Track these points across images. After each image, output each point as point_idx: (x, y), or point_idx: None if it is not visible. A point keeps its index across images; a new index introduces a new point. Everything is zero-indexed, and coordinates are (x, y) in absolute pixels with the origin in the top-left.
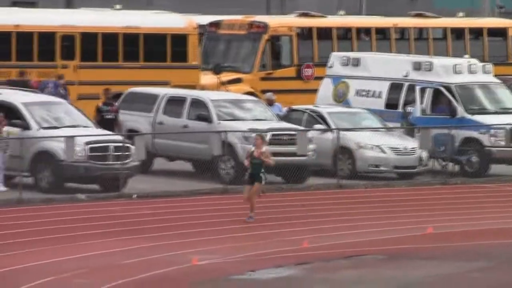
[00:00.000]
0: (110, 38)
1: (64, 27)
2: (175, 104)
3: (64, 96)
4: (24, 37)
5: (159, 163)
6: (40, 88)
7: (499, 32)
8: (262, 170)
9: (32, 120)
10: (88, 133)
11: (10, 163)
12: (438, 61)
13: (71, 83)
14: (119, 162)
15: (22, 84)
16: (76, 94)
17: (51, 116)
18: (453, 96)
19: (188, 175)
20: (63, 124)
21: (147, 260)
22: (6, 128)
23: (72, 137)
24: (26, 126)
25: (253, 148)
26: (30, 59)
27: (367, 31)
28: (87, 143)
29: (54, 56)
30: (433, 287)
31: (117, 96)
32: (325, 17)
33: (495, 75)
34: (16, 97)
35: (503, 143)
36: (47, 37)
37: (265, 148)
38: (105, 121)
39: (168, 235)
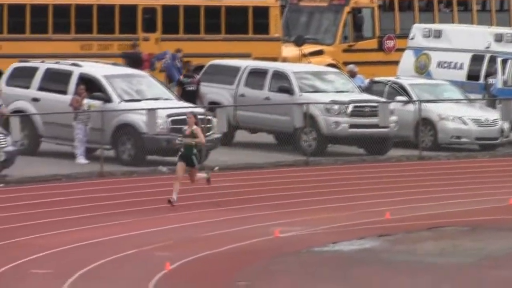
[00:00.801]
0: (191, 10)
1: (146, 0)
2: (256, 76)
3: (179, 69)
4: (106, 10)
5: (241, 136)
6: (153, 60)
7: None
8: (195, 152)
9: (113, 92)
10: (169, 105)
11: (91, 136)
12: None
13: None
14: None
15: (134, 56)
16: (159, 66)
17: (133, 88)
18: None
19: (269, 147)
20: (144, 97)
21: (229, 233)
22: (87, 101)
23: (154, 109)
24: (107, 99)
25: (185, 127)
26: (112, 31)
27: (448, 2)
28: (169, 115)
29: (135, 29)
30: None
31: (198, 68)
32: None
33: None
34: (97, 69)
35: None
36: (128, 10)
37: (195, 127)
38: (186, 94)
39: (250, 208)
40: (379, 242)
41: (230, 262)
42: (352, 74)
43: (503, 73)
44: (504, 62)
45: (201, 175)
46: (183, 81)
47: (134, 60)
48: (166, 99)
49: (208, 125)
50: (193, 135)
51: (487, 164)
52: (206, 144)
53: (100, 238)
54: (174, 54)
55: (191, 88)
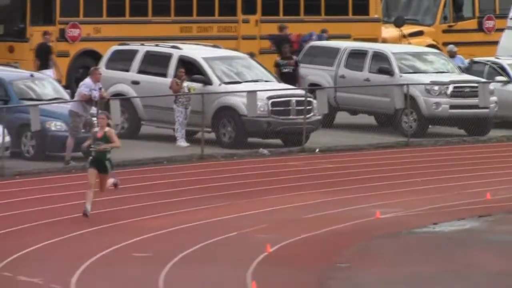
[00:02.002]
0: None
1: None
2: (356, 57)
3: None
4: None
5: (341, 117)
6: (301, 41)
7: None
8: (108, 157)
9: (213, 75)
10: (269, 87)
11: (191, 118)
12: None
13: (253, 38)
14: (301, 117)
15: (282, 38)
16: (258, 49)
17: (232, 70)
18: None
19: (370, 128)
20: (244, 79)
21: (329, 214)
22: (187, 84)
23: (254, 91)
24: (207, 81)
25: (97, 129)
26: (211, 14)
27: None
28: (269, 97)
29: (235, 11)
30: None
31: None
32: None
33: None
34: (197, 52)
35: None
36: None
37: (108, 129)
38: (283, 75)
39: (350, 189)
40: (479, 223)
41: (330, 243)
42: (452, 55)
43: None
44: None
45: (110, 180)
46: (280, 62)
47: (281, 42)
48: (266, 81)
49: (309, 107)
50: (105, 138)
51: None
52: (307, 126)
53: (200, 220)
54: (320, 35)
55: (287, 70)
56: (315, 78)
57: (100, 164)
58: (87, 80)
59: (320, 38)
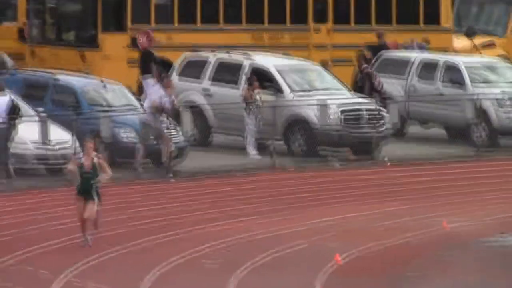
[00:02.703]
0: (363, 1)
1: None
2: (427, 68)
3: None
4: (277, 1)
5: (412, 128)
6: (402, 49)
7: None
8: (96, 185)
9: (285, 84)
10: (340, 97)
11: (262, 128)
12: None
13: (324, 47)
14: (372, 128)
15: (380, 46)
16: (329, 58)
17: (304, 80)
18: None
19: (440, 140)
20: (315, 88)
21: (398, 224)
22: (258, 93)
23: (326, 103)
24: (278, 90)
25: (82, 157)
26: (283, 22)
27: None
28: (340, 108)
29: (306, 20)
30: None
31: (370, 60)
32: None
33: None
34: (269, 61)
35: None
36: (300, 1)
37: (96, 159)
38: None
39: (419, 199)
40: None
41: (399, 253)
42: None
43: None
44: None
45: (93, 211)
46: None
47: (379, 50)
48: (337, 90)
49: (379, 118)
50: (94, 168)
51: None
52: (378, 137)
53: (270, 229)
54: (421, 44)
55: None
56: (387, 87)
57: (87, 193)
58: (157, 90)
59: (421, 47)
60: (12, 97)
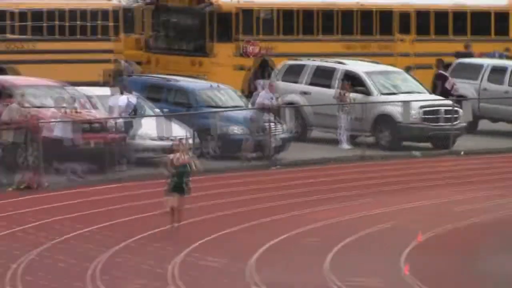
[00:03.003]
0: (441, 15)
1: (401, 6)
2: (497, 73)
3: None
4: (366, 15)
5: (483, 124)
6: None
7: None
8: (188, 179)
9: (373, 87)
10: (422, 98)
11: (353, 124)
12: None
13: (407, 55)
14: (449, 123)
15: (466, 55)
16: (412, 64)
17: (390, 83)
18: None
19: (509, 134)
20: (400, 90)
21: (473, 207)
22: (350, 94)
23: (408, 101)
24: (368, 92)
25: (174, 155)
26: (370, 33)
27: None
28: (421, 107)
29: (392, 31)
30: None
31: (447, 66)
32: None
33: None
34: (359, 67)
35: None
36: (386, 14)
37: (188, 152)
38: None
39: (493, 186)
40: None
41: (473, 233)
42: None
43: None
44: None
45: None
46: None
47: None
48: (419, 92)
49: (455, 115)
50: (187, 165)
51: None
52: (454, 132)
53: (359, 213)
54: (501, 53)
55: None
56: (462, 90)
57: (180, 187)
58: (263, 92)
59: (501, 55)
60: (132, 98)
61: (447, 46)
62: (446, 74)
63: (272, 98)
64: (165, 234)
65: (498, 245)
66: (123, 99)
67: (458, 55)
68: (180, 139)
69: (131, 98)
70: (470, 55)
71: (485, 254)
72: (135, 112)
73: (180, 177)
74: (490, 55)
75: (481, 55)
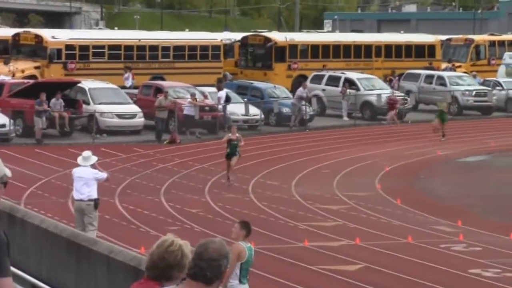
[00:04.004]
0: (396, 46)
1: (376, 42)
2: (428, 77)
3: None
4: (357, 47)
5: (422, 106)
6: None
7: None
8: (238, 149)
9: (360, 85)
10: (386, 92)
11: (350, 106)
12: None
13: (379, 69)
14: (402, 106)
15: (431, 68)
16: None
17: (370, 84)
18: None
19: (435, 111)
20: (375, 88)
21: (414, 152)
22: (348, 90)
23: (380, 94)
24: (358, 89)
25: (230, 135)
26: (359, 57)
27: None
28: (387, 97)
29: (371, 56)
30: None
31: (400, 74)
32: None
33: None
34: (354, 75)
35: None
36: (368, 47)
37: (238, 135)
38: None
39: (424, 141)
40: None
41: (418, 166)
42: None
43: None
44: None
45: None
46: None
47: None
48: (386, 89)
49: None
50: (236, 140)
51: None
52: (405, 110)
53: (353, 155)
54: (451, 67)
55: None
56: (409, 87)
57: (232, 153)
58: (300, 88)
59: (451, 69)
60: (228, 92)
61: (398, 64)
62: (393, 78)
63: (305, 92)
64: (243, 169)
65: (429, 173)
66: (222, 93)
67: (426, 68)
68: (232, 125)
69: (226, 93)
70: (432, 68)
71: (423, 178)
72: (228, 100)
73: (234, 147)
74: (447, 69)
75: (437, 68)
